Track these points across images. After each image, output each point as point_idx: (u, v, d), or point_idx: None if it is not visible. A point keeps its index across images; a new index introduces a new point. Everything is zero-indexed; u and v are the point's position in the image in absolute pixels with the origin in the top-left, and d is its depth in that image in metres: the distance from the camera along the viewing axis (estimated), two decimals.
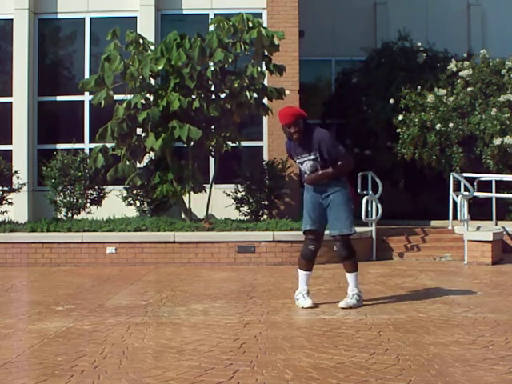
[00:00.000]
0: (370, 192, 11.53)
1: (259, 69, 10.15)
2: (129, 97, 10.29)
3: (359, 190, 11.92)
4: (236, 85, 10.07)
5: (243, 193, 11.44)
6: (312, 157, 5.99)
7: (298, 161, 6.12)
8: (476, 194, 11.26)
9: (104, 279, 8.26)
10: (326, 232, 6.29)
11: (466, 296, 6.70)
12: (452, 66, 12.99)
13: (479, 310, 5.89)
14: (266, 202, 11.43)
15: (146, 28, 12.21)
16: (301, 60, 12.41)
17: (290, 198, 12.02)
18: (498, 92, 12.42)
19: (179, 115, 10.12)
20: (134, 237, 9.78)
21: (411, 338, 4.81)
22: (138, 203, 11.37)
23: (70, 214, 11.12)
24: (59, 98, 12.82)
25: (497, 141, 11.84)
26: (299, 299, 6.15)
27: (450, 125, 12.14)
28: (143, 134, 10.53)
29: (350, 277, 6.11)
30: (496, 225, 11.41)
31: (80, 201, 11.05)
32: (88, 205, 11.22)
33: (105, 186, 11.29)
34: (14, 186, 11.15)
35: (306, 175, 6.12)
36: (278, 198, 11.66)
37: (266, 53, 10.44)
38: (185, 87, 10.05)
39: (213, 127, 10.65)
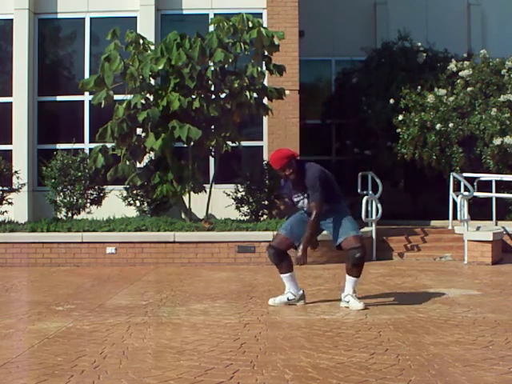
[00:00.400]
0: (370, 192, 11.53)
1: (259, 69, 10.15)
2: (129, 97, 10.29)
3: (359, 190, 11.92)
4: (236, 85, 10.07)
5: (243, 193, 11.44)
6: (303, 196, 6.11)
7: (295, 199, 6.19)
8: (476, 194, 11.26)
9: (104, 279, 8.26)
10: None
11: (465, 296, 6.70)
12: (452, 66, 12.99)
13: (479, 310, 5.89)
14: (266, 202, 11.43)
15: (146, 28, 12.21)
16: (301, 60, 12.41)
17: (288, 198, 11.99)
18: (498, 92, 12.42)
19: (179, 115, 10.12)
20: (134, 237, 9.78)
21: (411, 338, 4.81)
22: (138, 203, 11.37)
23: (70, 214, 11.12)
24: (59, 98, 12.82)
25: (497, 141, 11.84)
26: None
27: (450, 125, 12.14)
28: (143, 134, 10.53)
29: (352, 281, 6.09)
30: (496, 225, 11.41)
31: (80, 201, 11.05)
32: (88, 205, 11.21)
33: (105, 186, 11.29)
34: (14, 186, 11.14)
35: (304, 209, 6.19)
36: (277, 198, 11.65)
37: (266, 53, 10.43)
38: (185, 87, 10.05)
39: (213, 127, 10.64)
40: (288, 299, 6.22)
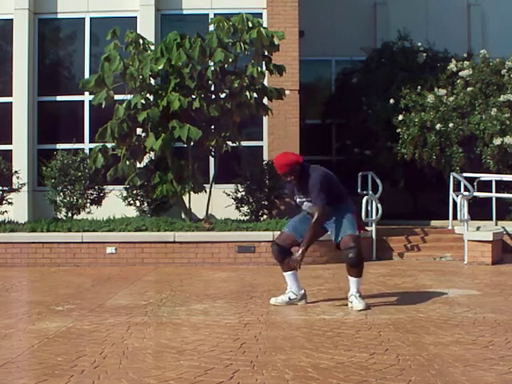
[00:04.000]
0: (370, 192, 11.53)
1: (259, 69, 10.14)
2: (129, 97, 10.29)
3: (359, 190, 11.92)
4: (236, 85, 10.07)
5: (243, 193, 11.44)
6: (309, 199, 6.06)
7: (298, 200, 6.18)
8: (476, 194, 11.26)
9: (104, 279, 8.26)
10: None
11: (466, 296, 6.70)
12: (452, 66, 12.99)
13: (479, 310, 5.89)
14: (266, 202, 11.43)
15: (146, 28, 12.21)
16: (301, 60, 12.41)
17: (290, 198, 12.00)
18: (498, 92, 12.42)
19: (179, 115, 10.12)
20: (134, 237, 9.78)
21: (411, 337, 4.81)
22: (138, 203, 11.36)
23: (70, 214, 11.11)
24: (59, 98, 12.82)
25: (497, 141, 11.84)
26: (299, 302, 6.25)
27: (450, 125, 12.14)
28: (143, 134, 10.53)
29: (354, 281, 6.09)
30: (496, 225, 11.41)
31: (80, 201, 11.05)
32: (88, 205, 11.21)
33: (105, 186, 11.28)
34: (13, 186, 11.14)
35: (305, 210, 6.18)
36: (277, 198, 11.65)
37: (266, 53, 10.43)
38: (185, 87, 10.05)
39: (213, 127, 10.64)
40: (290, 298, 6.22)
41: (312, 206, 6.03)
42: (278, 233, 9.52)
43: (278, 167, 6.05)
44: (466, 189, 11.08)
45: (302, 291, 6.30)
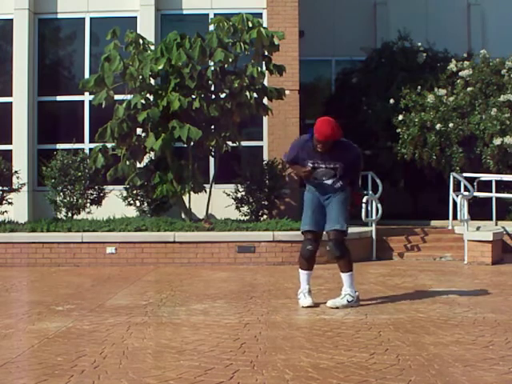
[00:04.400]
0: (370, 192, 11.53)
1: (259, 69, 10.15)
2: (129, 97, 10.29)
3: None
4: (236, 85, 10.07)
5: (243, 193, 11.44)
6: (332, 166, 5.95)
7: (309, 163, 5.98)
8: (476, 194, 11.26)
9: (104, 279, 8.26)
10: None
11: (466, 296, 6.70)
12: (452, 66, 12.99)
13: (479, 310, 5.89)
14: (266, 202, 11.44)
15: (146, 28, 12.21)
16: (301, 60, 12.41)
17: (290, 197, 12.03)
18: (498, 92, 12.43)
19: (179, 115, 10.12)
20: (134, 237, 9.78)
21: (411, 337, 4.81)
22: (138, 203, 11.36)
23: (69, 214, 11.12)
24: (59, 98, 12.82)
25: (497, 141, 11.84)
26: (300, 298, 6.15)
27: (450, 125, 12.14)
28: (143, 134, 10.53)
29: (344, 276, 6.08)
30: (496, 225, 11.42)
31: (80, 201, 11.05)
32: (88, 205, 11.21)
33: (105, 186, 11.29)
34: (13, 186, 11.14)
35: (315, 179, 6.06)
36: (277, 198, 11.66)
37: (266, 53, 10.44)
38: (185, 87, 10.05)
39: (213, 127, 10.65)
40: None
41: (327, 174, 5.96)
42: (279, 233, 9.63)
43: (327, 136, 5.76)
44: (466, 189, 11.08)
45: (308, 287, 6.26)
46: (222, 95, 10.49)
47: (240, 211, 11.47)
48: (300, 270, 6.24)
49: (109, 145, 10.43)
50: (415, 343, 4.64)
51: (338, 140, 5.90)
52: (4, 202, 11.02)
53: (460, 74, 12.77)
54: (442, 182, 12.42)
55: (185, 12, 12.80)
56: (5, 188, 11.07)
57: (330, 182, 6.04)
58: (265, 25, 11.52)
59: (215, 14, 12.12)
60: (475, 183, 11.69)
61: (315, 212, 6.10)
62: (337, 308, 5.95)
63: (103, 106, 10.09)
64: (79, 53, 12.81)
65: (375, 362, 4.14)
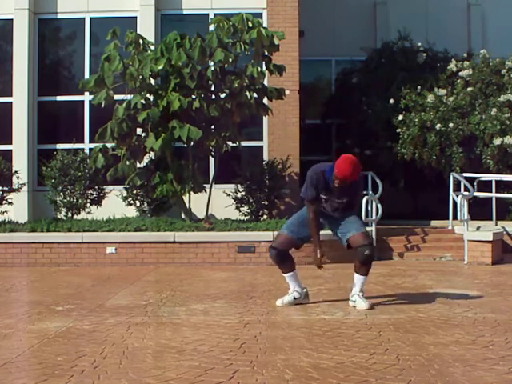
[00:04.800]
0: (370, 192, 11.53)
1: (259, 69, 10.15)
2: (129, 97, 10.29)
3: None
4: (236, 85, 10.07)
5: (243, 193, 11.44)
6: (339, 201, 5.98)
7: (323, 196, 6.00)
8: (476, 194, 11.26)
9: (104, 279, 8.26)
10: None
11: (465, 296, 6.70)
12: (452, 66, 12.99)
13: (479, 310, 5.89)
14: (266, 202, 11.43)
15: (146, 28, 12.21)
16: (301, 60, 12.41)
17: (290, 198, 12.02)
18: (498, 92, 12.43)
19: (179, 115, 10.12)
20: (134, 237, 9.78)
21: (411, 337, 4.81)
22: (138, 203, 11.36)
23: (69, 214, 11.12)
24: (59, 98, 12.82)
25: (497, 141, 11.84)
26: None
27: (450, 125, 12.14)
28: (143, 134, 10.53)
29: (361, 279, 6.08)
30: (496, 225, 11.41)
31: (80, 201, 11.05)
32: (88, 205, 11.21)
33: (105, 186, 11.29)
34: (13, 186, 11.14)
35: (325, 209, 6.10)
36: (277, 198, 11.65)
37: (266, 53, 10.44)
38: (185, 87, 10.05)
39: (213, 127, 10.64)
40: (294, 298, 6.21)
41: (338, 206, 6.01)
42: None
43: (346, 176, 5.71)
44: (466, 189, 11.08)
45: (304, 290, 6.31)
46: (222, 95, 10.49)
47: (240, 211, 11.47)
48: (283, 274, 6.34)
49: (109, 145, 10.43)
50: (415, 343, 4.64)
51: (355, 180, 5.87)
52: (4, 201, 11.02)
53: (460, 74, 12.77)
54: (442, 182, 12.42)
55: (185, 12, 12.80)
56: (5, 188, 11.07)
57: (336, 214, 6.10)
58: (265, 25, 11.52)
59: (215, 14, 12.12)
60: (475, 183, 11.69)
61: (300, 223, 6.16)
62: (371, 308, 5.97)
63: (103, 105, 10.08)
64: (79, 53, 12.81)
65: (375, 362, 4.14)
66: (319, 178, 5.95)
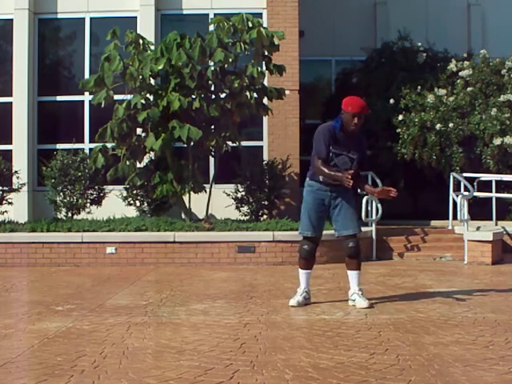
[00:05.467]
0: None
1: (259, 69, 10.15)
2: (129, 97, 10.29)
3: (359, 190, 11.89)
4: (236, 85, 10.07)
5: (243, 193, 11.44)
6: (351, 155, 5.98)
7: (334, 150, 5.94)
8: (476, 194, 11.26)
9: (104, 279, 8.26)
10: (327, 232, 6.31)
11: (466, 296, 6.69)
12: (452, 66, 12.99)
13: (479, 310, 5.89)
14: (266, 202, 11.43)
15: (146, 28, 12.21)
16: (301, 60, 12.41)
17: (290, 197, 12.03)
18: (498, 92, 12.43)
19: (179, 115, 10.12)
20: (134, 237, 9.78)
21: (411, 337, 4.81)
22: (137, 203, 11.36)
23: (69, 214, 11.12)
24: (59, 98, 12.82)
25: (497, 141, 11.84)
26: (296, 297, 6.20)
27: (450, 125, 12.14)
28: (143, 134, 10.53)
29: (354, 274, 6.10)
30: (496, 225, 11.41)
31: (80, 201, 11.05)
32: (88, 205, 11.22)
33: (105, 186, 11.29)
34: (13, 186, 11.14)
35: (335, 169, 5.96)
36: (277, 198, 11.65)
37: (266, 53, 10.44)
38: (185, 87, 10.05)
39: (213, 127, 10.65)
40: (305, 298, 6.18)
41: (346, 163, 5.95)
42: (279, 233, 9.62)
43: (362, 106, 5.85)
44: (466, 189, 11.08)
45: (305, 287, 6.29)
46: (222, 95, 10.49)
47: (240, 211, 11.47)
48: (299, 269, 6.25)
49: (109, 145, 10.43)
50: (415, 343, 4.64)
51: (359, 131, 5.98)
52: (4, 201, 11.03)
53: (460, 74, 12.77)
54: (442, 182, 12.42)
55: (185, 12, 12.80)
56: (5, 188, 11.07)
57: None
58: (265, 25, 11.52)
59: (215, 14, 12.12)
60: (475, 183, 11.68)
61: (315, 216, 6.08)
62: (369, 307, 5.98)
63: (103, 105, 10.09)
64: (79, 53, 12.82)
65: (375, 362, 4.14)
66: (328, 132, 5.95)
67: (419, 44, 13.75)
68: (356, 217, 6.16)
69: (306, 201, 6.16)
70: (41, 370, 4.03)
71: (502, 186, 12.07)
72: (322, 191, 6.07)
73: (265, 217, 11.41)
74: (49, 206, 11.40)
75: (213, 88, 10.61)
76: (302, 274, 6.22)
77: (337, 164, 5.98)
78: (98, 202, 11.29)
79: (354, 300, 6.07)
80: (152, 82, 10.68)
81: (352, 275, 6.10)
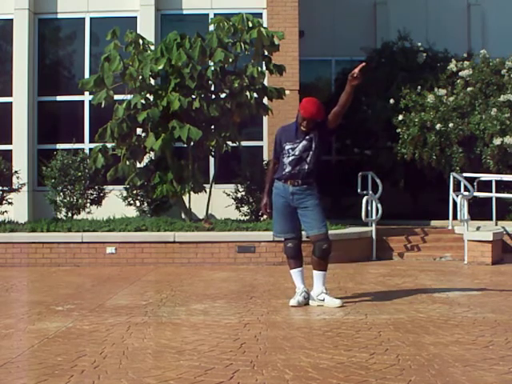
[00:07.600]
0: (370, 192, 11.53)
1: (259, 69, 10.15)
2: (129, 97, 10.29)
3: (359, 190, 11.91)
4: (236, 85, 10.07)
5: (243, 193, 11.44)
6: (308, 137, 6.01)
7: (287, 147, 6.04)
8: (476, 194, 11.26)
9: (104, 279, 8.26)
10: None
11: (466, 296, 6.70)
12: (452, 66, 12.99)
13: (479, 310, 5.89)
14: None
15: (146, 28, 12.21)
16: (301, 60, 12.42)
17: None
18: (498, 92, 12.43)
19: (179, 115, 10.12)
20: (134, 237, 9.78)
21: (411, 337, 4.81)
22: (138, 203, 11.37)
23: (69, 214, 11.12)
24: (59, 98, 12.82)
25: (497, 141, 11.85)
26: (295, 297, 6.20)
27: (450, 125, 12.14)
28: (143, 134, 10.53)
29: (320, 274, 6.12)
30: (496, 225, 11.42)
31: (80, 201, 11.05)
32: (88, 205, 11.22)
33: (105, 186, 11.29)
34: (13, 186, 11.14)
35: (288, 166, 6.03)
36: None
37: (266, 53, 10.43)
38: (185, 87, 10.05)
39: (213, 127, 10.64)
40: (304, 298, 6.19)
41: (301, 163, 5.99)
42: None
43: (316, 111, 5.91)
44: (466, 189, 11.08)
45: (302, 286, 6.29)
46: (222, 95, 10.49)
47: (240, 211, 11.47)
48: (290, 270, 6.30)
49: (109, 145, 10.42)
50: (415, 343, 4.64)
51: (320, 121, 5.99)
52: (4, 201, 11.03)
53: (460, 74, 12.77)
54: (442, 181, 12.42)
55: (185, 12, 12.81)
56: (5, 188, 11.07)
57: (304, 165, 6.01)
58: (265, 25, 11.52)
59: (215, 14, 12.13)
60: (475, 183, 11.68)
61: (287, 219, 6.14)
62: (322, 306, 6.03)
63: (103, 105, 10.08)
64: (79, 53, 12.82)
65: (375, 362, 4.14)
66: (283, 131, 6.16)
67: (419, 44, 13.75)
68: (322, 216, 6.06)
69: (276, 203, 6.21)
70: (41, 369, 4.03)
71: (501, 186, 12.07)
72: (284, 190, 6.10)
73: (265, 217, 11.39)
74: (49, 206, 11.40)
75: (213, 88, 10.61)
76: (294, 273, 6.26)
77: (286, 163, 6.03)
78: (97, 202, 11.29)
79: (322, 300, 6.09)
80: (152, 82, 10.67)
81: (319, 275, 6.13)
